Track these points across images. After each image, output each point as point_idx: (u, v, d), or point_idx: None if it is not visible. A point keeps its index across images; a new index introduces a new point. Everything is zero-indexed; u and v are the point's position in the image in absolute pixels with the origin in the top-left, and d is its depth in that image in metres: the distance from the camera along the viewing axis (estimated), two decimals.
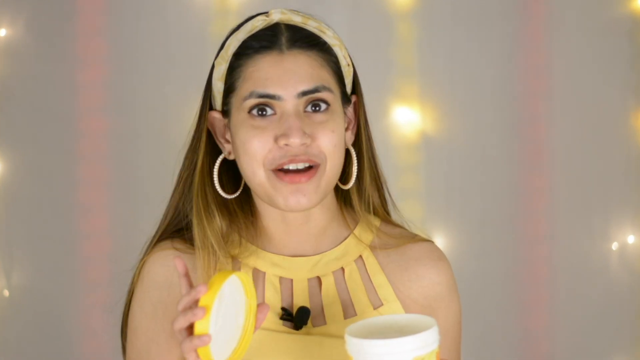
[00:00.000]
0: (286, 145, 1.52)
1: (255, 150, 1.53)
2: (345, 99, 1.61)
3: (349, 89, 1.62)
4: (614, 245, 3.07)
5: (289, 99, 1.52)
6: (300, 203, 1.53)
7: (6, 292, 2.90)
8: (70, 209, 2.92)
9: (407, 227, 1.69)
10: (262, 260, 1.61)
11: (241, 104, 1.54)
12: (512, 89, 3.04)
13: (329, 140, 1.54)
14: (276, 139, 1.52)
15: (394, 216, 1.70)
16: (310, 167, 1.54)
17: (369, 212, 1.66)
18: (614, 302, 3.04)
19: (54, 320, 2.91)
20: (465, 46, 3.02)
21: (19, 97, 2.90)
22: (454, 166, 3.02)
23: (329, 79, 1.57)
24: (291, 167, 1.53)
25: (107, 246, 2.93)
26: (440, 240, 2.94)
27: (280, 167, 1.53)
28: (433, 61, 3.01)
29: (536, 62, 3.04)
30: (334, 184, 1.58)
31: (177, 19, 2.95)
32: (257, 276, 1.60)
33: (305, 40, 1.57)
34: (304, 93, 1.53)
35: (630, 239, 3.07)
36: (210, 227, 1.59)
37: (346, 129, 1.62)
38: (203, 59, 2.91)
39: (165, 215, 1.65)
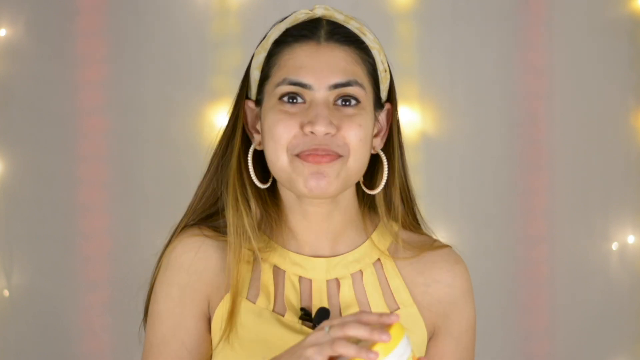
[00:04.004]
0: (311, 132, 1.53)
1: (280, 134, 1.54)
2: (378, 103, 1.62)
3: (384, 95, 1.64)
4: (614, 245, 3.07)
5: (320, 89, 1.54)
6: (320, 186, 1.53)
7: (6, 292, 2.91)
8: (70, 208, 2.93)
9: (431, 236, 1.70)
10: (282, 259, 1.62)
11: (273, 90, 1.56)
12: (512, 89, 3.04)
13: (355, 134, 1.55)
14: (302, 126, 1.54)
15: (424, 229, 1.70)
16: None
17: (391, 219, 1.66)
18: (614, 302, 3.05)
19: (54, 320, 2.92)
20: (465, 46, 3.03)
21: (19, 97, 2.91)
22: (454, 166, 3.03)
23: (362, 76, 1.58)
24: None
25: (107, 246, 2.94)
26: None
27: (303, 152, 1.54)
28: (433, 61, 3.02)
29: (536, 62, 3.04)
30: (355, 180, 1.59)
31: (177, 19, 2.95)
32: (277, 274, 1.62)
33: (343, 35, 1.58)
34: (336, 86, 1.55)
35: (631, 239, 3.07)
36: (246, 213, 1.60)
37: (376, 135, 1.63)
38: (203, 58, 2.93)
39: (195, 201, 1.65)
